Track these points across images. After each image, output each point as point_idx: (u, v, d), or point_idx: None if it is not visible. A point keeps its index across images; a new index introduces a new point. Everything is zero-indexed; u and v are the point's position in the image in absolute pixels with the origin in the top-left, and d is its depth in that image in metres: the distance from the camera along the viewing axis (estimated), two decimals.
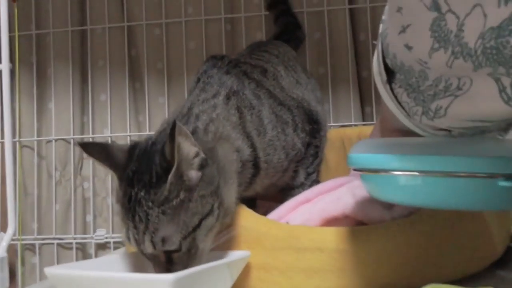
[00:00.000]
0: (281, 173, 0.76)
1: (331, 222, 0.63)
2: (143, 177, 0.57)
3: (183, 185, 0.56)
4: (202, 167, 0.58)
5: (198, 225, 0.56)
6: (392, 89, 0.45)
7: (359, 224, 0.62)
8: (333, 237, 0.59)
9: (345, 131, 1.10)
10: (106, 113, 1.27)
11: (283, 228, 0.62)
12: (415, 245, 0.59)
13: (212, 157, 0.61)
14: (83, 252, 1.29)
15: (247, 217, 0.65)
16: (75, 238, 1.25)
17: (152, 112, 1.27)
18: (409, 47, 0.39)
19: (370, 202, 0.61)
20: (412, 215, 0.60)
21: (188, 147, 0.57)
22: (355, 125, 1.17)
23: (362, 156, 0.51)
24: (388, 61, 0.44)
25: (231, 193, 0.62)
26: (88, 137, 1.28)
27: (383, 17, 0.46)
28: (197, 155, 0.58)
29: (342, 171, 1.08)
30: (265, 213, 0.70)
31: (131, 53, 1.29)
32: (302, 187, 0.79)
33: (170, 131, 0.54)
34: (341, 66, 1.19)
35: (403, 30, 0.39)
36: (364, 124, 1.17)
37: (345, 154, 1.09)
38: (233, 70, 0.77)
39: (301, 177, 0.80)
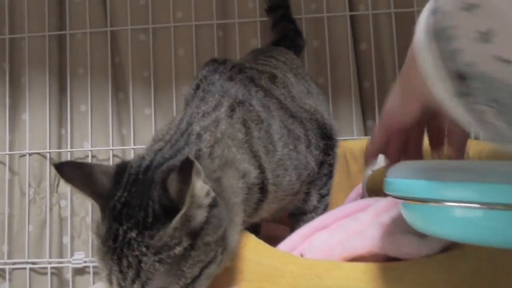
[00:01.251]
0: (291, 196, 0.66)
1: (355, 260, 0.54)
2: (136, 213, 0.48)
3: (187, 230, 0.47)
4: (210, 207, 0.50)
5: (199, 274, 0.48)
6: (466, 103, 0.35)
7: (388, 260, 0.54)
8: (363, 275, 0.50)
9: (347, 144, 1.02)
10: (86, 125, 1.17)
11: (302, 264, 0.53)
12: (457, 284, 0.51)
13: (220, 193, 0.52)
14: (59, 278, 1.17)
15: (256, 249, 0.56)
16: (50, 262, 1.14)
17: (137, 125, 1.17)
18: (505, 61, 0.31)
19: (402, 233, 0.53)
20: (454, 249, 0.52)
21: (200, 186, 0.48)
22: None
23: (406, 183, 0.42)
24: (453, 65, 0.35)
25: (236, 232, 0.54)
26: (66, 151, 1.17)
27: (436, 7, 0.35)
28: (208, 194, 0.49)
29: (344, 188, 1.00)
30: (271, 238, 0.61)
31: (115, 61, 1.20)
32: (315, 211, 0.70)
33: (182, 168, 0.45)
34: (342, 76, 1.12)
35: (485, 38, 0.30)
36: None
37: (348, 169, 1.04)
38: (237, 76, 0.68)
39: (313, 200, 0.71)
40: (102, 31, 1.17)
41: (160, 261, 0.46)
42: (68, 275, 1.15)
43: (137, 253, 0.46)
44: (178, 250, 0.46)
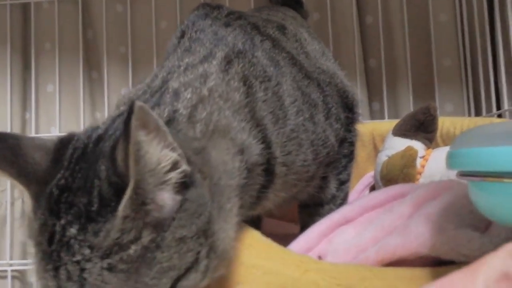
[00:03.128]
0: (304, 182, 0.52)
1: (396, 264, 0.41)
2: (77, 199, 0.34)
3: (146, 220, 0.33)
4: (184, 187, 0.35)
5: None
6: None
7: (439, 264, 0.41)
8: (410, 285, 0.37)
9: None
10: (54, 107, 1.03)
11: (328, 271, 0.39)
12: None
13: (202, 168, 0.37)
14: (21, 282, 1.04)
15: (265, 251, 0.42)
16: (11, 265, 1.00)
17: (112, 107, 1.02)
18: None
19: (457, 228, 0.40)
20: None
21: (158, 152, 0.33)
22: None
23: (486, 152, 0.30)
24: None
25: (229, 226, 0.39)
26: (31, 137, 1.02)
27: None
28: (175, 165, 0.35)
29: (372, 169, 0.88)
30: (275, 236, 0.47)
31: (87, 35, 1.06)
32: (333, 201, 0.57)
33: (125, 120, 0.31)
34: (345, 53, 1.00)
35: None
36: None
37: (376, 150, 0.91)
38: (236, 22, 0.53)
39: (331, 187, 0.57)
40: (72, 0, 1.03)
41: (110, 268, 0.32)
42: (33, 279, 1.01)
43: (78, 258, 0.32)
44: (134, 250, 0.33)
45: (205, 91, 0.43)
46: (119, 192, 0.32)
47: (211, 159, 0.39)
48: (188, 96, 0.42)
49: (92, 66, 1.06)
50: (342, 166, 0.58)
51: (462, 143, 0.33)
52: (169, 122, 0.39)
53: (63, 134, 0.94)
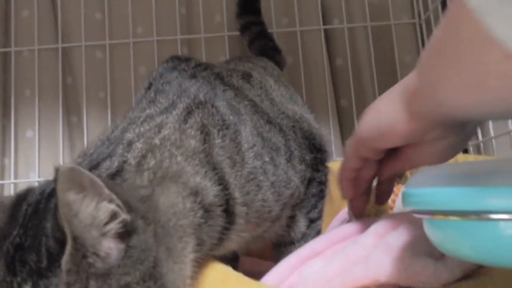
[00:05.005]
0: (269, 222, 0.53)
1: None
2: (29, 257, 0.35)
3: (91, 271, 0.34)
4: (126, 235, 0.37)
5: None
6: None
7: None
8: None
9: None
10: (33, 153, 1.03)
11: None
12: None
13: (146, 214, 0.39)
14: None
15: (235, 285, 0.44)
16: None
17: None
18: None
19: (414, 256, 0.43)
20: (478, 276, 0.42)
21: (92, 206, 0.35)
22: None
23: (435, 192, 0.32)
24: None
25: (182, 266, 0.40)
26: (9, 182, 1.02)
27: None
28: (114, 216, 0.36)
29: (326, 215, 0.90)
30: (252, 274, 0.49)
31: (66, 81, 1.08)
32: (305, 239, 0.58)
33: (54, 184, 0.33)
34: (318, 94, 1.04)
35: None
36: None
37: (330, 194, 0.93)
38: (202, 74, 0.56)
39: (301, 226, 0.59)
40: (52, 47, 1.06)
41: None
42: None
43: None
44: None
45: (156, 140, 0.45)
46: (63, 247, 0.33)
47: (159, 204, 0.41)
48: (140, 146, 0.44)
49: (71, 111, 1.07)
50: (311, 205, 0.59)
51: (413, 184, 0.35)
52: (118, 172, 0.40)
53: (42, 179, 0.95)
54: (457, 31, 0.34)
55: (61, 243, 0.34)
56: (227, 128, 0.50)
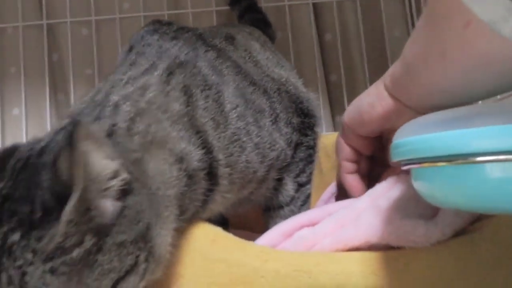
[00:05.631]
0: (255, 184, 0.54)
1: None
2: (19, 208, 0.35)
3: (89, 225, 0.35)
4: (124, 194, 0.37)
5: None
6: None
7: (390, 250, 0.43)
8: (361, 267, 0.40)
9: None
10: (20, 131, 1.02)
11: (286, 259, 0.41)
12: (476, 274, 0.41)
13: (140, 178, 0.40)
14: None
15: (226, 245, 0.44)
16: None
17: None
18: None
19: (404, 217, 0.43)
20: (469, 233, 0.43)
21: (100, 162, 0.36)
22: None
23: (420, 139, 0.33)
24: None
25: (165, 232, 0.41)
26: None
27: None
28: (116, 175, 0.37)
29: (316, 188, 0.89)
30: None
31: (52, 58, 1.06)
32: (294, 203, 0.58)
33: (69, 134, 0.34)
34: (307, 69, 1.04)
35: None
36: None
37: (320, 167, 0.93)
38: (183, 35, 0.55)
39: (289, 189, 0.59)
40: (37, 24, 1.04)
41: (52, 271, 0.33)
42: None
43: (20, 262, 0.33)
44: (77, 253, 0.34)
45: (143, 104, 0.45)
46: (61, 201, 0.34)
47: (149, 169, 0.41)
48: (127, 109, 0.44)
49: (58, 88, 1.06)
50: (299, 169, 0.59)
51: (400, 135, 0.35)
52: (109, 135, 0.41)
53: None
54: (430, 10, 0.35)
55: (59, 196, 0.34)
56: (209, 89, 0.50)
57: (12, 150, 0.39)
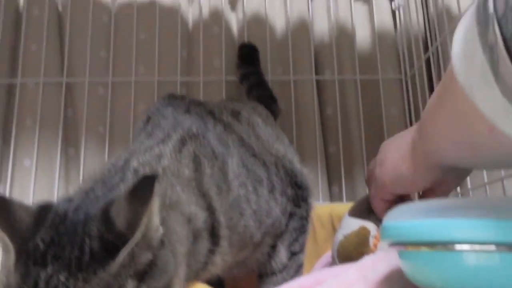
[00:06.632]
0: (251, 247, 0.58)
1: None
2: (66, 253, 0.39)
3: (133, 270, 0.39)
4: (158, 247, 0.42)
5: None
6: None
7: None
8: None
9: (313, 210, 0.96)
10: (29, 181, 1.05)
11: None
12: None
13: (166, 234, 0.44)
14: None
15: None
16: None
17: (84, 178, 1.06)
18: None
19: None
20: None
21: (155, 215, 0.41)
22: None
23: (407, 225, 0.37)
24: None
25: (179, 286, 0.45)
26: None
27: None
28: (158, 228, 0.42)
29: (311, 257, 0.92)
30: None
31: (67, 114, 1.11)
32: (286, 271, 0.62)
33: (139, 186, 0.39)
34: (308, 140, 1.09)
35: None
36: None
37: (315, 236, 0.97)
38: (195, 109, 0.62)
39: (282, 257, 0.62)
40: (57, 82, 1.10)
41: None
42: None
43: None
44: None
45: (160, 170, 0.50)
46: (110, 248, 0.38)
47: (170, 229, 0.46)
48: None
49: (69, 143, 1.11)
50: (293, 239, 0.63)
51: (390, 218, 0.40)
52: None
53: None
54: (451, 101, 0.39)
55: (108, 244, 0.39)
56: (216, 159, 0.56)
57: (48, 206, 0.44)
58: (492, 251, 0.32)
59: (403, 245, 0.37)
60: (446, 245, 0.34)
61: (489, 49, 0.29)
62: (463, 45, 0.33)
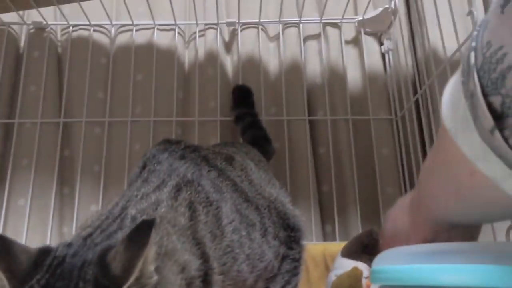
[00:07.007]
0: None
1: None
2: None
3: None
4: None
5: None
6: (505, 139, 0.31)
7: None
8: None
9: (307, 249, 0.96)
10: (22, 221, 1.06)
11: None
12: None
13: (160, 283, 0.45)
14: None
15: None
16: None
17: (80, 223, 1.06)
18: None
19: None
20: None
21: (150, 261, 0.42)
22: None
23: (396, 269, 0.38)
24: (499, 99, 0.30)
25: None
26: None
27: (480, 35, 0.32)
28: (151, 276, 0.43)
29: None
30: None
31: (64, 153, 1.13)
32: None
33: (137, 230, 0.40)
34: (301, 179, 1.11)
35: None
36: None
37: (308, 276, 0.97)
38: (190, 155, 0.63)
39: None
40: (54, 122, 1.12)
41: None
42: None
43: None
44: None
45: (157, 218, 0.51)
46: None
47: (164, 278, 0.46)
48: None
49: (64, 182, 1.11)
50: (285, 281, 0.63)
51: (380, 262, 0.41)
52: None
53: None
54: (442, 149, 0.41)
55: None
56: (210, 205, 0.57)
57: (47, 250, 0.45)
58: None
59: None
60: None
61: (470, 96, 0.31)
62: (450, 93, 0.36)
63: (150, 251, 0.41)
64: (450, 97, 0.36)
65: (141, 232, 0.40)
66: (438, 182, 0.44)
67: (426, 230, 0.49)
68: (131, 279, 0.39)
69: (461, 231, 0.50)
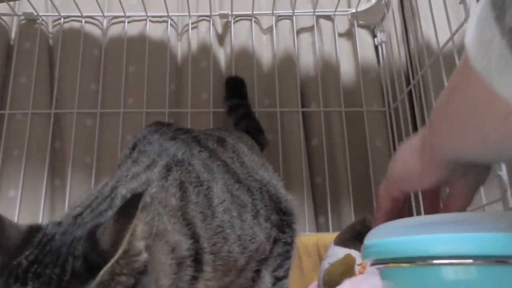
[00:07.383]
0: (235, 272, 0.58)
1: None
2: (48, 271, 0.40)
3: None
4: (140, 272, 0.42)
5: None
6: None
7: None
8: None
9: (300, 240, 0.95)
10: (13, 212, 1.04)
11: None
12: None
13: (151, 262, 0.44)
14: None
15: None
16: None
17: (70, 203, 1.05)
18: None
19: None
20: None
21: (139, 236, 0.42)
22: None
23: (387, 242, 0.38)
24: None
25: None
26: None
27: None
28: (141, 253, 0.42)
29: (297, 287, 0.92)
30: None
31: (55, 145, 1.12)
32: None
33: (128, 203, 0.40)
34: (295, 170, 1.10)
35: None
36: None
37: (301, 266, 0.96)
38: (181, 136, 0.63)
39: (266, 282, 0.62)
40: (45, 113, 1.11)
41: None
42: None
43: None
44: None
45: (147, 198, 0.51)
46: (91, 268, 0.39)
47: (155, 258, 0.46)
48: None
49: (56, 174, 1.10)
50: (277, 264, 0.63)
51: (371, 237, 0.40)
52: None
53: None
54: (464, 91, 0.38)
55: (91, 264, 0.39)
56: (201, 185, 0.56)
57: (38, 227, 0.45)
58: (469, 264, 0.33)
59: (384, 263, 0.38)
60: (425, 260, 0.35)
61: (508, 32, 0.29)
62: (477, 33, 0.33)
63: (139, 225, 0.41)
64: (478, 36, 0.33)
65: (130, 205, 0.40)
66: (459, 127, 0.41)
67: (441, 171, 0.46)
68: (119, 252, 0.39)
69: (474, 167, 0.48)
